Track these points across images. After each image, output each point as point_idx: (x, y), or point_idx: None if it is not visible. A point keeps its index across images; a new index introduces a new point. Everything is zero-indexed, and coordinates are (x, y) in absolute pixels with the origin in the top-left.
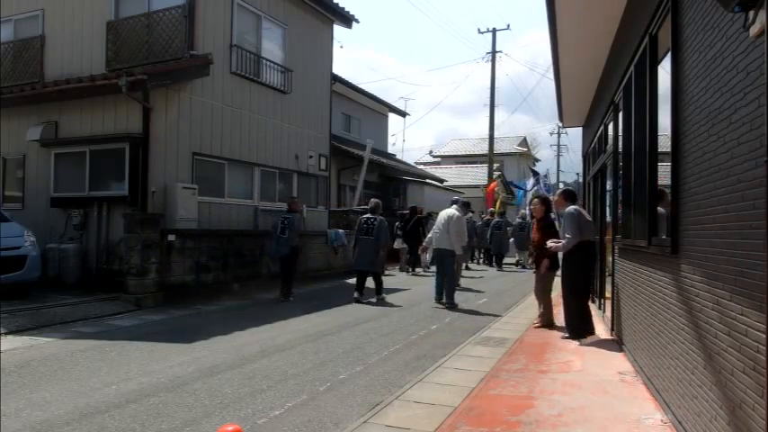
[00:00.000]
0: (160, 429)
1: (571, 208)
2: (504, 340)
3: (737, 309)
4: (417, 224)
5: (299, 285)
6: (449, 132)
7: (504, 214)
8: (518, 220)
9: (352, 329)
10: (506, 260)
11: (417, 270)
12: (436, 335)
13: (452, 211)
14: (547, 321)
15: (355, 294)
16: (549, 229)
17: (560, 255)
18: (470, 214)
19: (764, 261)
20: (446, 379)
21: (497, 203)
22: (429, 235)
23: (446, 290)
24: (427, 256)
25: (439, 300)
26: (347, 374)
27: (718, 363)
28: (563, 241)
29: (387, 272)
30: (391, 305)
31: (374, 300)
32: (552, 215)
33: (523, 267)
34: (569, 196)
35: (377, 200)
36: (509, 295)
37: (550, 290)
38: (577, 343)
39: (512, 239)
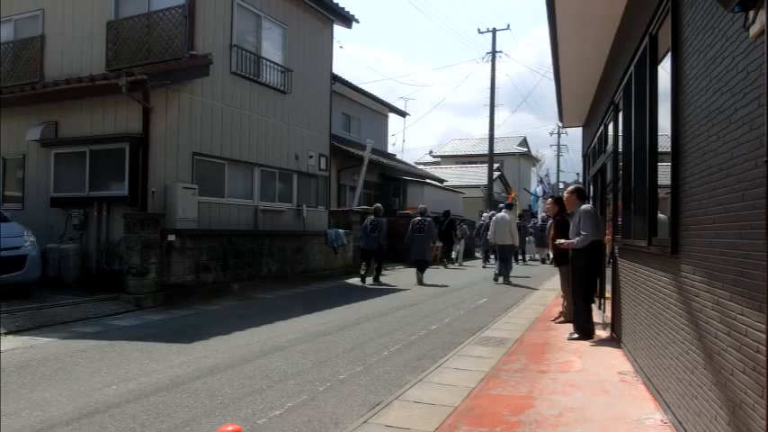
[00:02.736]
0: (160, 429)
1: (587, 206)
2: (504, 340)
3: (737, 309)
4: (450, 225)
5: (298, 286)
6: (451, 132)
7: (522, 216)
8: (539, 221)
9: (352, 329)
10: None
11: (449, 265)
12: (436, 335)
13: (506, 215)
14: (570, 317)
15: (417, 282)
16: (564, 227)
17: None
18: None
19: (764, 261)
20: (446, 379)
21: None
22: (489, 234)
23: (505, 271)
24: (453, 254)
25: (496, 279)
26: (347, 374)
27: (718, 363)
28: (578, 238)
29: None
30: (436, 286)
31: (417, 282)
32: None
33: (543, 262)
34: (581, 194)
35: (424, 205)
36: (509, 295)
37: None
38: (582, 342)
39: (528, 238)
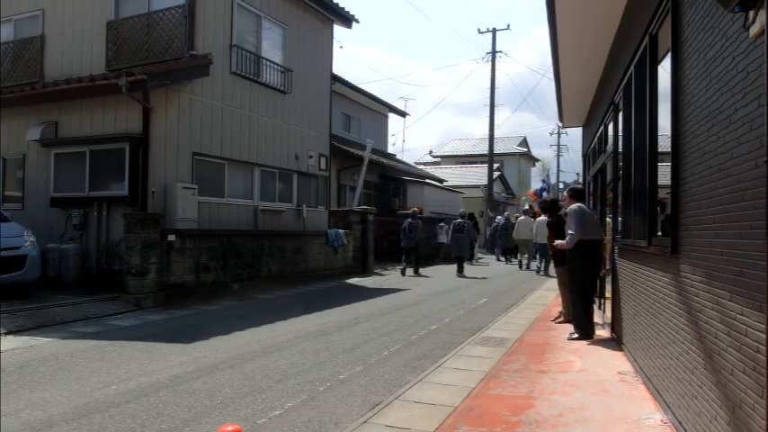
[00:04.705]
0: (160, 429)
1: (575, 206)
2: (504, 340)
3: (737, 309)
4: (474, 226)
5: (298, 286)
6: (452, 131)
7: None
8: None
9: (352, 329)
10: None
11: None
12: (436, 335)
13: (545, 218)
14: (568, 317)
15: (457, 274)
16: (553, 229)
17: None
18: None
19: (764, 261)
20: (446, 379)
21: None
22: (515, 233)
23: (545, 265)
24: (476, 252)
25: (538, 272)
26: (347, 374)
27: (718, 363)
28: (567, 238)
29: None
30: (474, 277)
31: (462, 275)
32: (556, 215)
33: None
34: (574, 195)
35: (464, 209)
36: (509, 295)
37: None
38: (582, 342)
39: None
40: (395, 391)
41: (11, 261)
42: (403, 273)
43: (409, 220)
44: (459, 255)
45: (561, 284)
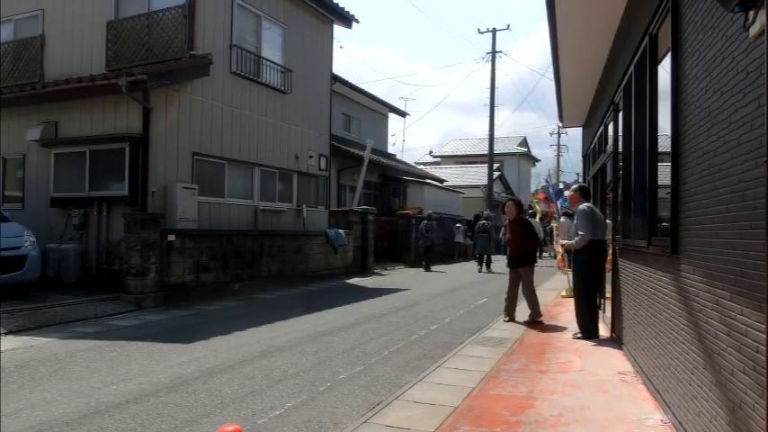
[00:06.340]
0: (160, 429)
1: (584, 205)
2: (504, 340)
3: (737, 309)
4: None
5: (298, 286)
6: (453, 131)
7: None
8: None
9: (352, 329)
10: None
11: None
12: (436, 335)
13: (565, 219)
14: (509, 316)
15: (479, 270)
16: (520, 229)
17: (572, 252)
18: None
19: (764, 261)
20: (446, 379)
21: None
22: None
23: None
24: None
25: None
26: (347, 374)
27: (718, 363)
28: (576, 239)
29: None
30: (496, 273)
31: (485, 270)
32: (524, 215)
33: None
34: (585, 193)
35: (488, 211)
36: None
37: (518, 285)
38: (583, 342)
39: (545, 238)
40: (395, 391)
41: (11, 261)
42: (426, 269)
43: (425, 221)
44: (482, 253)
45: (513, 285)
